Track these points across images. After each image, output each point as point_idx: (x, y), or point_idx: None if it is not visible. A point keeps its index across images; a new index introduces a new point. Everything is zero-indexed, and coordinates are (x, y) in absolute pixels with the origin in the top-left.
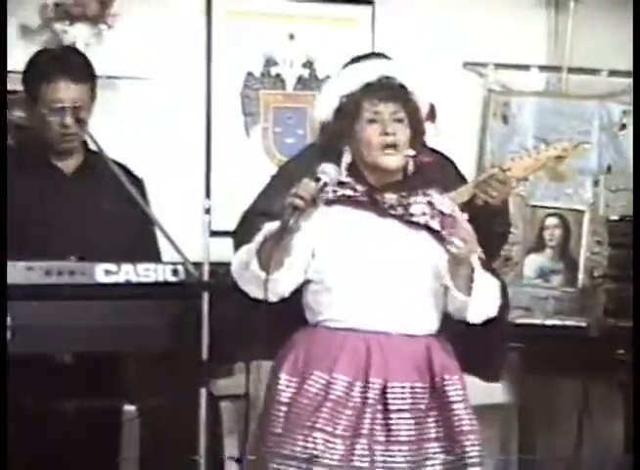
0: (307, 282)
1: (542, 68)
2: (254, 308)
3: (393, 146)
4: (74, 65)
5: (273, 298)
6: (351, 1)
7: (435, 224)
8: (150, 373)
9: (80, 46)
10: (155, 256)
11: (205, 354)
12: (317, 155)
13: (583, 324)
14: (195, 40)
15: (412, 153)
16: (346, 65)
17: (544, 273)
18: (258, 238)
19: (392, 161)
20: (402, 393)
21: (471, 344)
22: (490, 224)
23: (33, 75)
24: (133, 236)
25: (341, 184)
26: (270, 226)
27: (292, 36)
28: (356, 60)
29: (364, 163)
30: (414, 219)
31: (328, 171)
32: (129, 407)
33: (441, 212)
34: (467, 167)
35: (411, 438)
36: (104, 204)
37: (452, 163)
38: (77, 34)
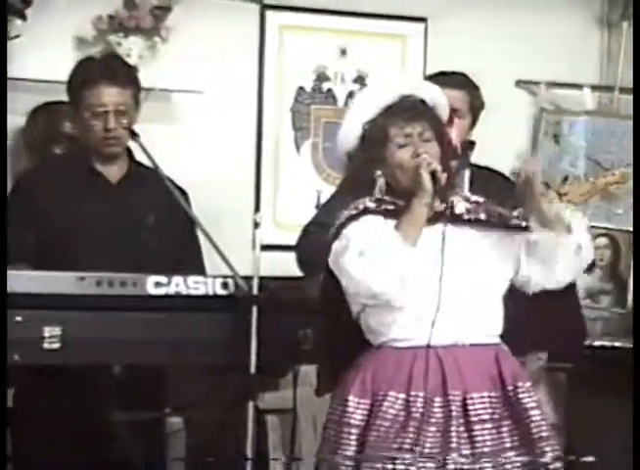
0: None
1: (594, 87)
2: (304, 323)
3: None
4: (117, 70)
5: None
6: (404, 17)
7: (482, 215)
8: (197, 385)
9: (134, 58)
10: (200, 269)
11: (253, 368)
12: (350, 182)
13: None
14: (247, 54)
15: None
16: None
17: (593, 294)
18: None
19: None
20: (482, 403)
21: (549, 317)
22: None
23: (76, 82)
24: (179, 249)
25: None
26: None
27: (343, 51)
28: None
29: (399, 185)
30: (465, 217)
31: None
32: (175, 419)
33: (477, 202)
34: None
35: (494, 448)
36: (150, 215)
37: (500, 174)
38: (132, 46)
